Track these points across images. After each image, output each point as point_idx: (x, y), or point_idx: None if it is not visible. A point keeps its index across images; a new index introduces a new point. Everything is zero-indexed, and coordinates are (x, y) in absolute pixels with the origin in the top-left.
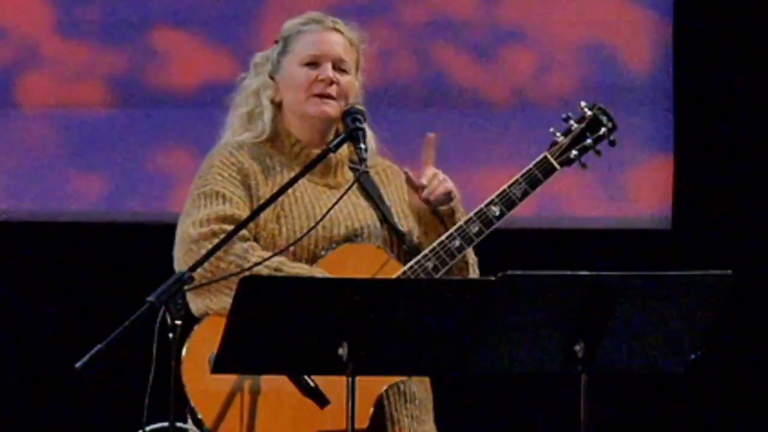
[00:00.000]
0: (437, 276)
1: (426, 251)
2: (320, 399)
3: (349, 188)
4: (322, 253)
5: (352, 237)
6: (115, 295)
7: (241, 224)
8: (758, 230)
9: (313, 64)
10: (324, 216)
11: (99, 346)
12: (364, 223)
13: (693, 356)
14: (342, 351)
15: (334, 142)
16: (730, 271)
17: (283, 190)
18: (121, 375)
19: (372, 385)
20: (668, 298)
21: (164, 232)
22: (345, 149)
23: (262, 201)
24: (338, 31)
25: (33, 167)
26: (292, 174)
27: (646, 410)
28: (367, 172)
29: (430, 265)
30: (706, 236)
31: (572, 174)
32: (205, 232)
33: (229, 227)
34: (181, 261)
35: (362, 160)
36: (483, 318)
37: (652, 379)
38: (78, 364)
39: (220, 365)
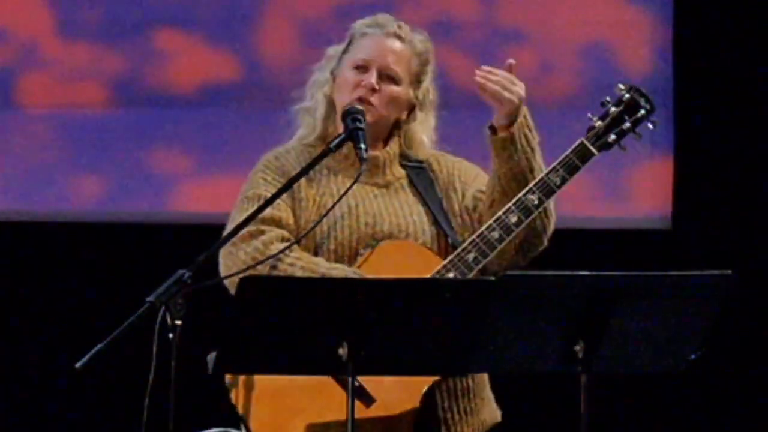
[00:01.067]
0: (478, 267)
1: (465, 243)
2: (365, 398)
3: (351, 186)
4: (362, 251)
5: (396, 234)
6: (115, 295)
7: (240, 225)
8: (758, 230)
9: (362, 68)
10: (332, 207)
11: (99, 346)
12: (410, 220)
13: (693, 356)
14: (342, 351)
15: (334, 142)
16: (730, 271)
17: (284, 189)
18: (121, 375)
19: (414, 385)
20: (668, 298)
21: (164, 232)
22: (395, 147)
23: (302, 202)
24: (399, 37)
25: (33, 167)
26: (338, 178)
27: (646, 410)
28: (422, 169)
29: (470, 257)
30: (706, 236)
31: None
32: (243, 234)
33: (267, 227)
34: (221, 264)
35: (362, 160)
36: (483, 318)
37: (652, 379)
38: (78, 364)
39: (220, 365)
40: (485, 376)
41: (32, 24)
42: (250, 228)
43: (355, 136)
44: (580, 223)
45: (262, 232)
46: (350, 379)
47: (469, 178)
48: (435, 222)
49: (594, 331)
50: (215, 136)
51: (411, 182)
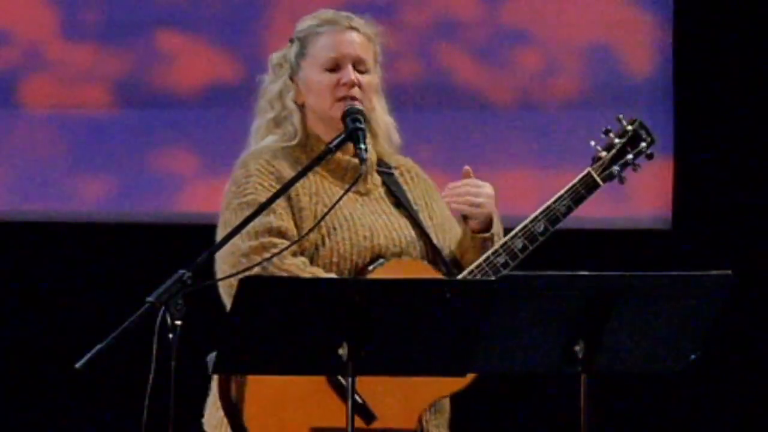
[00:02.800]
0: None
1: (472, 267)
2: (367, 416)
3: (347, 191)
4: (370, 267)
5: (392, 247)
6: (116, 295)
7: (238, 227)
8: (758, 230)
9: (334, 67)
10: (327, 213)
11: (99, 346)
12: (401, 233)
13: (693, 356)
14: (342, 351)
15: (335, 143)
16: (730, 271)
17: (281, 192)
18: (121, 375)
19: (418, 398)
20: (668, 298)
21: (169, 233)
22: (373, 152)
23: (303, 212)
24: (354, 29)
25: (38, 168)
26: (325, 184)
27: (646, 410)
28: (391, 174)
29: None
30: (706, 236)
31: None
32: (256, 246)
33: (278, 240)
34: (223, 271)
35: (362, 161)
36: (483, 318)
37: (652, 379)
38: (78, 364)
39: (220, 365)
40: (446, 400)
41: (36, 25)
42: (262, 240)
43: (355, 136)
44: (580, 223)
45: (273, 244)
46: (350, 379)
47: (440, 211)
48: (421, 235)
49: (594, 331)
50: (219, 136)
51: (388, 191)
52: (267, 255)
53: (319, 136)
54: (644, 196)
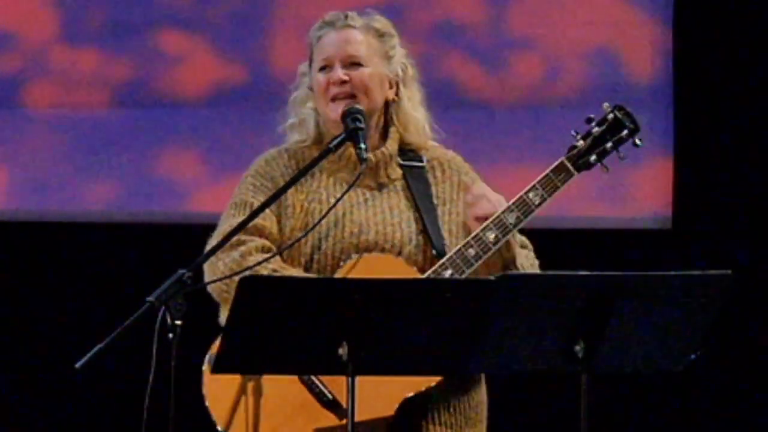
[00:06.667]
0: None
1: (443, 260)
2: (338, 410)
3: (342, 195)
4: (342, 263)
5: (381, 243)
6: (117, 295)
7: (229, 235)
8: (758, 230)
9: (326, 68)
10: (325, 215)
11: (99, 346)
12: (397, 228)
13: (693, 356)
14: (342, 351)
15: (334, 142)
16: (730, 271)
17: (276, 196)
18: (121, 375)
19: (393, 393)
20: (668, 298)
21: (170, 234)
22: (393, 145)
23: (289, 209)
24: (350, 26)
25: (42, 170)
26: (330, 181)
27: (646, 410)
28: (419, 167)
29: (447, 274)
30: (706, 236)
31: None
32: (225, 245)
33: (249, 238)
34: (205, 271)
35: (362, 160)
36: (483, 318)
37: (652, 379)
38: (78, 364)
39: (220, 365)
40: (476, 400)
41: (39, 28)
42: (233, 238)
43: (355, 135)
44: (580, 223)
45: (243, 243)
46: (350, 379)
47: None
48: (423, 231)
49: (594, 331)
50: (223, 138)
51: (407, 185)
52: (234, 253)
53: (333, 134)
54: (644, 196)
